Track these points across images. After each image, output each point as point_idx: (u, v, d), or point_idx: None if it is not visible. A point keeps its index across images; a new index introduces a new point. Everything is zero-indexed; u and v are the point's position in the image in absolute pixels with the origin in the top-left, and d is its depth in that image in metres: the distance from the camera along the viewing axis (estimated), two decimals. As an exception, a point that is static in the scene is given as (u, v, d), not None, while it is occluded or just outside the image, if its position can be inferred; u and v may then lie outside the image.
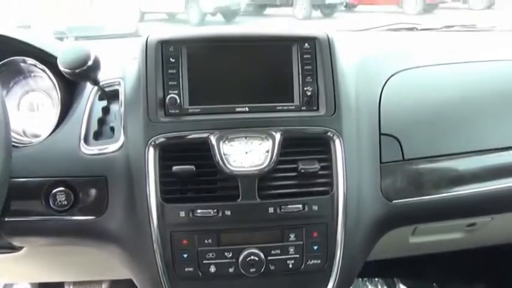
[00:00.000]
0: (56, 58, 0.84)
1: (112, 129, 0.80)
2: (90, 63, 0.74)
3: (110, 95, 0.84)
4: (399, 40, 1.41)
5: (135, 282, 0.82)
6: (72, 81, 0.87)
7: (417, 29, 1.47)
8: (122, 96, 0.81)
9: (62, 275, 1.15)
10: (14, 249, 0.90)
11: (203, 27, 0.88)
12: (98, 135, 0.80)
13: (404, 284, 1.62)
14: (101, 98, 0.84)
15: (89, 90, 0.85)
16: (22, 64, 0.84)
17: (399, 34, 1.47)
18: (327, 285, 0.76)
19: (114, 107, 0.84)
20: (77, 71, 0.74)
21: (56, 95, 0.85)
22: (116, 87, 0.84)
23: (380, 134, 0.82)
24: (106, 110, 0.83)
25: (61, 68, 0.74)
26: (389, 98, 0.86)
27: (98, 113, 0.82)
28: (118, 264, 0.89)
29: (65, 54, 0.73)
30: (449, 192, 0.84)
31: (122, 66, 0.86)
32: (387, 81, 0.88)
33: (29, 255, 0.94)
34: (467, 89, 0.90)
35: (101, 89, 0.82)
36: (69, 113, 0.84)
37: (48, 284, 1.41)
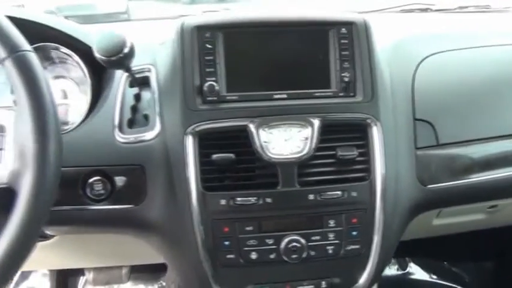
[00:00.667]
0: (83, 43, 0.83)
1: (146, 116, 0.79)
2: (126, 50, 0.72)
3: (140, 82, 0.82)
4: (414, 22, 1.40)
5: (173, 269, 0.82)
6: (100, 68, 0.86)
7: (431, 9, 1.45)
8: (154, 84, 0.80)
9: (87, 261, 1.16)
10: (45, 237, 0.90)
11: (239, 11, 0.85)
12: (131, 123, 0.79)
13: (415, 263, 1.66)
14: (131, 85, 0.83)
15: (119, 78, 0.83)
16: (52, 51, 0.82)
17: (413, 16, 1.45)
18: (364, 269, 0.78)
19: (146, 94, 0.82)
20: (113, 58, 0.72)
21: (85, 82, 0.83)
22: (146, 73, 0.82)
23: (414, 119, 0.82)
24: (137, 98, 0.82)
25: (97, 55, 0.72)
26: (421, 83, 0.86)
27: (130, 101, 0.81)
28: (146, 250, 0.90)
29: (101, 41, 0.71)
30: (480, 176, 0.86)
31: (150, 52, 0.84)
32: (419, 65, 0.87)
33: (57, 243, 0.93)
34: (499, 72, 0.90)
35: (132, 76, 0.81)
36: (100, 100, 0.82)
37: (68, 269, 1.42)
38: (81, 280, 1.53)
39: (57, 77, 0.88)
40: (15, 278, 1.45)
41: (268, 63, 0.77)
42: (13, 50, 0.54)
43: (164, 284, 1.54)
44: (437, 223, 1.02)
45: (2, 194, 0.55)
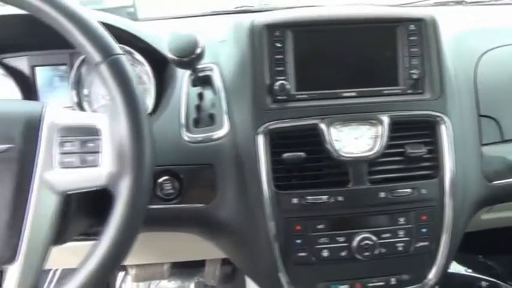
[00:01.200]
0: (145, 42, 0.83)
1: (211, 116, 0.79)
2: (198, 51, 0.72)
3: (202, 81, 0.82)
4: (448, 15, 1.39)
5: (242, 268, 0.83)
6: (161, 67, 0.86)
7: (466, 2, 1.44)
8: (218, 83, 0.80)
9: (132, 258, 1.17)
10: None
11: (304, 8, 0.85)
12: (197, 122, 0.79)
13: (450, 257, 1.66)
14: (194, 84, 0.83)
15: (181, 76, 0.83)
16: None
17: (447, 9, 1.44)
18: (433, 265, 0.78)
19: (208, 93, 0.82)
20: (186, 59, 0.72)
21: (149, 82, 0.83)
22: (208, 72, 0.82)
23: (479, 115, 0.82)
24: (200, 96, 0.82)
25: (169, 55, 0.72)
26: (483, 78, 0.85)
27: (193, 100, 0.81)
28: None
29: (174, 41, 0.71)
30: None
31: (209, 51, 0.84)
32: (479, 60, 0.87)
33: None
34: None
35: (196, 75, 0.81)
36: (164, 100, 0.83)
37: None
38: (119, 275, 1.55)
39: None
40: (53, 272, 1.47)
41: (336, 61, 0.77)
42: (107, 54, 0.54)
43: (201, 279, 1.55)
44: (486, 217, 1.02)
45: (99, 195, 0.55)
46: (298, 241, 0.74)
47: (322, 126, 0.73)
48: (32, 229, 0.52)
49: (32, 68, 0.88)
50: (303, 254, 0.74)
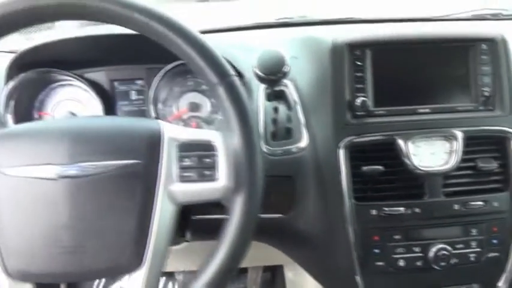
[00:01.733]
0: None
1: (288, 130, 0.83)
2: (286, 69, 0.75)
3: (276, 96, 0.86)
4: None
5: (315, 276, 0.86)
6: None
7: (503, 14, 1.46)
8: (295, 98, 0.83)
9: (182, 264, 1.20)
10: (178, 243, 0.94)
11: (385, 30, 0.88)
12: (273, 136, 0.83)
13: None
14: (268, 99, 0.86)
15: (256, 90, 0.87)
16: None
17: (484, 23, 1.46)
18: (502, 273, 0.81)
19: (282, 108, 0.86)
20: (273, 77, 0.76)
21: None
22: (282, 87, 0.86)
23: None
24: (275, 110, 0.86)
25: (257, 72, 0.75)
26: None
27: (269, 114, 0.85)
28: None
29: (264, 58, 0.75)
30: None
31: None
32: None
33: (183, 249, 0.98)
34: None
35: (272, 89, 0.84)
36: None
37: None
38: (162, 280, 1.58)
39: (187, 92, 0.93)
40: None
41: (411, 79, 0.80)
42: (224, 76, 0.57)
43: (242, 286, 1.58)
44: None
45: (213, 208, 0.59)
46: (376, 251, 0.77)
47: (400, 141, 0.77)
48: (156, 237, 0.56)
49: (111, 82, 0.93)
50: (381, 263, 0.78)
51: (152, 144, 0.57)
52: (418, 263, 0.78)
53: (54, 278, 0.56)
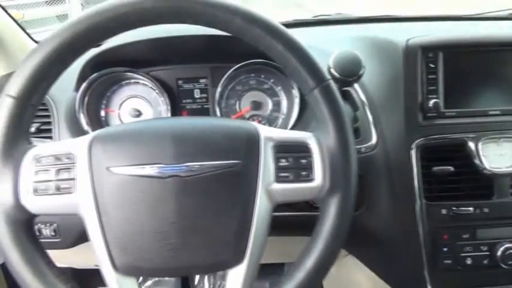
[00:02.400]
0: None
1: (355, 129, 0.84)
2: (362, 71, 0.77)
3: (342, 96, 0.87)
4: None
5: (380, 274, 0.88)
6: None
7: (540, 10, 1.46)
8: (362, 98, 0.84)
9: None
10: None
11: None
12: None
13: None
14: None
15: None
16: (253, 66, 0.90)
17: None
18: None
19: (347, 108, 0.87)
20: (349, 79, 0.77)
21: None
22: (347, 88, 0.87)
23: None
24: None
25: (334, 73, 0.77)
26: None
27: None
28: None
29: (340, 60, 0.76)
30: None
31: None
32: None
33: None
34: None
35: (340, 90, 0.86)
36: (305, 113, 0.88)
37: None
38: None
39: (251, 90, 0.95)
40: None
41: (482, 81, 0.82)
42: (321, 81, 0.59)
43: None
44: None
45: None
46: (445, 249, 0.79)
47: (471, 142, 0.78)
48: (255, 233, 0.58)
49: (176, 80, 0.94)
50: (448, 261, 0.80)
51: (251, 145, 0.59)
52: (485, 262, 0.80)
53: (161, 273, 0.58)
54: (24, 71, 0.55)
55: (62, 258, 1.16)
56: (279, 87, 0.94)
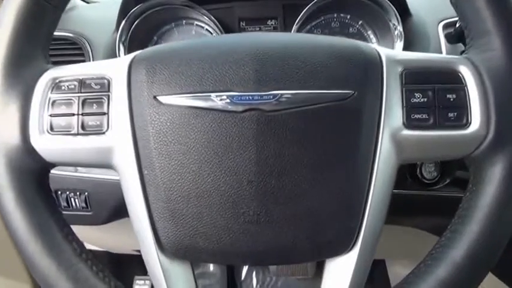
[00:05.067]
0: None
1: None
2: None
3: None
4: None
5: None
6: None
7: None
8: None
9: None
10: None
11: None
12: None
13: None
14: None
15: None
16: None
17: None
18: None
19: None
20: None
21: None
22: None
23: None
24: None
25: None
26: None
27: None
28: None
29: None
30: None
31: None
32: None
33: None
34: None
35: None
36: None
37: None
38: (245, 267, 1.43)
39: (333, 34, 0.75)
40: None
41: None
42: None
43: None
44: None
45: None
46: None
47: None
48: (375, 205, 0.37)
49: (239, 21, 0.75)
50: None
51: (370, 70, 0.38)
52: None
53: (227, 258, 0.39)
54: None
55: (98, 240, 1.01)
56: (370, 31, 0.73)
